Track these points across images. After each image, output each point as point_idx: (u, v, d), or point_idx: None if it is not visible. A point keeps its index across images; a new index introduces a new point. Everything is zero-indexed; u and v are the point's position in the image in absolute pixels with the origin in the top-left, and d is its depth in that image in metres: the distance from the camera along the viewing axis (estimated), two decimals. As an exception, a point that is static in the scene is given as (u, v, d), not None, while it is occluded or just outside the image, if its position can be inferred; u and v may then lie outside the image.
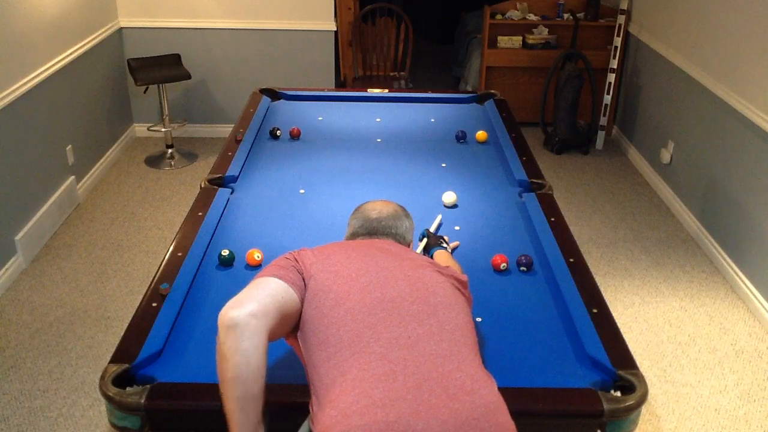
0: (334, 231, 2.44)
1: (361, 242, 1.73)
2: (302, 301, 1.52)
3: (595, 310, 1.98)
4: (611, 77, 5.17)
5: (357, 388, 1.33)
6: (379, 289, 1.51)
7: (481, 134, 3.26)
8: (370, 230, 1.83)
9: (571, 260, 2.23)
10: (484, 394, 1.37)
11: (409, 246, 1.89)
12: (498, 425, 1.33)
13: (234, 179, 2.81)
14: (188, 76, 4.77)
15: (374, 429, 1.27)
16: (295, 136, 3.25)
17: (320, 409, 1.36)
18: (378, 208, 1.88)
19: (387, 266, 1.59)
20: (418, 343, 1.41)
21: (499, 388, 1.45)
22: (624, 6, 5.04)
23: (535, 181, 2.79)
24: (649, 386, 2.70)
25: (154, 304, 1.96)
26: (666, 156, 4.50)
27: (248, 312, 1.37)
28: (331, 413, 1.31)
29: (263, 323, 1.38)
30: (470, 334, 1.52)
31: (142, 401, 1.62)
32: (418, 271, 1.60)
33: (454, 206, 2.65)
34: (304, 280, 1.54)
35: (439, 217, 2.52)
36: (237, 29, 5.04)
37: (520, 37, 5.40)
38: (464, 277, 1.73)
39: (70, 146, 4.18)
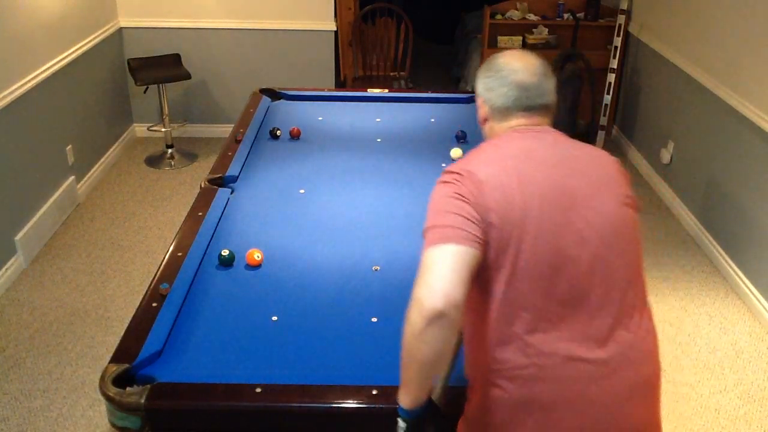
0: (335, 231, 2.44)
1: (531, 149, 1.50)
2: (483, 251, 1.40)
3: (595, 310, 1.98)
4: (611, 77, 5.17)
5: (517, 342, 1.39)
6: (556, 244, 1.40)
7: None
8: (527, 105, 1.55)
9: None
10: (638, 341, 1.44)
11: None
12: (640, 375, 1.44)
13: (234, 179, 2.81)
14: (188, 76, 4.77)
15: (529, 376, 1.38)
16: (295, 136, 3.25)
17: (477, 344, 1.44)
18: (528, 67, 1.56)
19: (566, 205, 1.43)
20: (582, 304, 1.41)
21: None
22: (624, 6, 5.04)
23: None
24: (649, 386, 2.70)
25: (154, 304, 1.96)
26: (666, 156, 4.50)
27: (454, 304, 1.30)
28: (486, 356, 1.42)
29: (461, 312, 1.34)
30: (639, 279, 1.49)
31: (142, 401, 1.62)
32: (598, 200, 1.45)
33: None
34: (483, 229, 1.39)
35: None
36: (237, 29, 5.04)
37: (520, 37, 5.40)
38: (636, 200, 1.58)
39: (70, 146, 4.18)
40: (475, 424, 1.48)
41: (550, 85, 1.59)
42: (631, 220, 1.49)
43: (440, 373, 1.41)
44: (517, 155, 1.48)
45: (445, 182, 1.47)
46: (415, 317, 1.31)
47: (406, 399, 1.42)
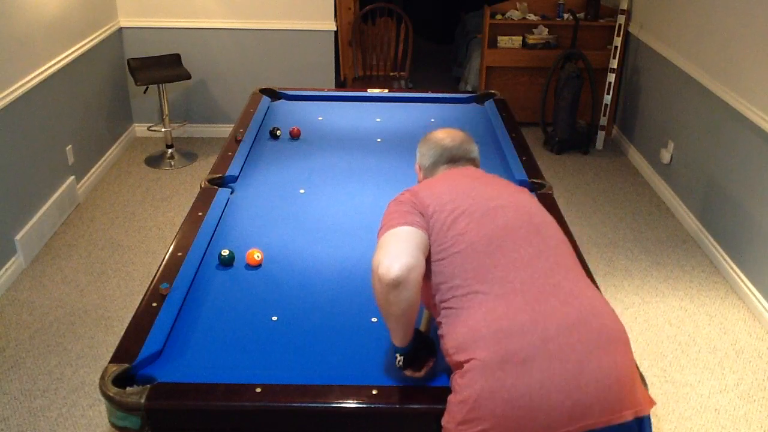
0: (334, 231, 2.45)
1: (456, 174, 1.86)
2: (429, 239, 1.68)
3: (595, 310, 1.99)
4: (611, 77, 5.17)
5: (483, 308, 1.56)
6: (492, 220, 1.68)
7: None
8: (450, 158, 1.94)
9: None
10: (589, 296, 1.60)
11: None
12: (602, 325, 1.54)
13: (234, 179, 2.81)
14: (188, 76, 4.77)
15: (499, 335, 1.50)
16: (295, 136, 3.25)
17: (451, 328, 1.58)
18: (450, 136, 1.98)
19: (491, 195, 1.75)
20: (531, 263, 1.62)
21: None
22: (624, 6, 5.04)
23: (535, 181, 2.79)
24: (649, 386, 2.69)
25: (154, 304, 1.96)
26: (666, 156, 4.50)
27: (408, 268, 1.54)
28: (461, 330, 1.55)
29: (418, 272, 1.56)
30: (567, 245, 1.72)
31: (142, 401, 1.62)
32: (516, 195, 1.79)
33: None
34: (426, 220, 1.69)
35: None
36: (237, 29, 5.04)
37: (520, 37, 5.40)
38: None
39: (70, 146, 4.18)
40: (458, 408, 1.51)
41: (471, 146, 1.98)
42: (549, 215, 1.79)
43: (415, 316, 1.61)
44: (445, 178, 1.85)
45: (390, 203, 1.79)
46: (378, 286, 1.56)
47: (396, 341, 1.66)
